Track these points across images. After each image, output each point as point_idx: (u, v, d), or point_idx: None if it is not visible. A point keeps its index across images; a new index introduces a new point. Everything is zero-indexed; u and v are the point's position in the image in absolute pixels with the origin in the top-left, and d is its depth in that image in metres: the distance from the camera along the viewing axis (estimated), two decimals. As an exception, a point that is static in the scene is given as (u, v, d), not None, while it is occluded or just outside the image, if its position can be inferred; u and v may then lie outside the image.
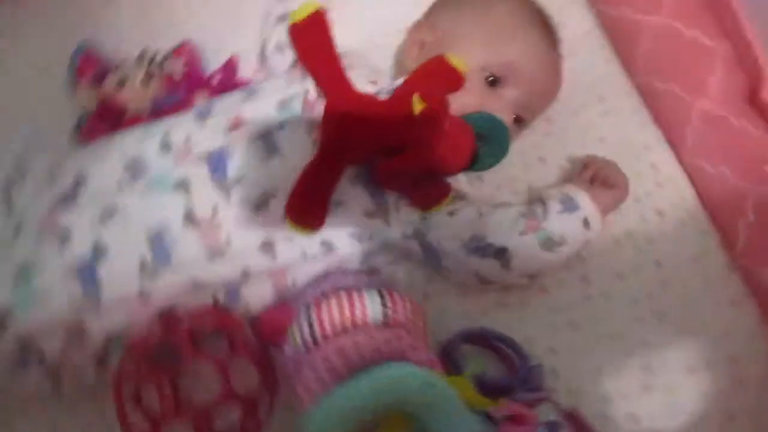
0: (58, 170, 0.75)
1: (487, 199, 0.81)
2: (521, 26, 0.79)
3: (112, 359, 0.69)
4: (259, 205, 0.71)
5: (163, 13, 1.03)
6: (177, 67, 0.93)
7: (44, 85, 0.94)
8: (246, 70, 0.97)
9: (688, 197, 0.82)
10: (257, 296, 0.73)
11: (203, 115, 0.76)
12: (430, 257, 0.75)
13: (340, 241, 0.73)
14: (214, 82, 0.93)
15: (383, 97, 0.74)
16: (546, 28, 0.81)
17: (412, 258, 0.77)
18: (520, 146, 0.87)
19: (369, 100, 0.70)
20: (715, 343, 0.73)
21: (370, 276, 0.73)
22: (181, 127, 0.75)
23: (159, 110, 0.89)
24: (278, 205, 0.70)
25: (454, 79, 0.74)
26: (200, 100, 0.91)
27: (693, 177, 0.83)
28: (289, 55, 0.90)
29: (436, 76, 0.73)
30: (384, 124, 0.69)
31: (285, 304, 0.71)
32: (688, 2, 0.88)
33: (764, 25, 0.80)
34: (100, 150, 0.77)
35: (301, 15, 0.66)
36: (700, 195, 0.82)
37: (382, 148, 0.69)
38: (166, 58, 0.94)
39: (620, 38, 0.95)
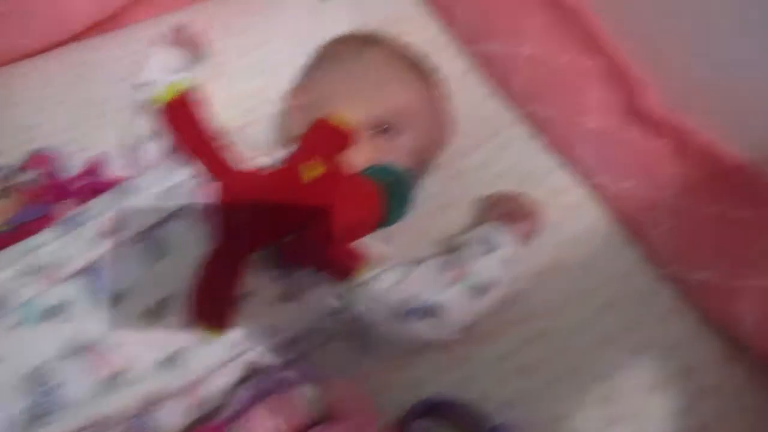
0: None
1: (404, 257, 0.77)
2: (399, 71, 0.77)
3: None
4: (154, 316, 0.61)
5: (15, 119, 0.93)
6: (34, 178, 0.83)
7: None
8: (114, 168, 0.89)
9: (601, 217, 0.81)
10: (171, 418, 0.62)
11: (71, 226, 0.66)
12: (359, 332, 0.68)
13: (255, 336, 0.65)
14: (77, 187, 0.84)
15: (271, 170, 0.68)
16: (423, 70, 0.79)
17: (340, 337, 0.70)
18: (424, 195, 0.83)
19: (259, 177, 0.64)
20: (667, 357, 0.70)
21: (297, 368, 0.65)
22: (45, 245, 0.65)
23: (20, 228, 0.78)
24: (176, 311, 0.62)
25: (341, 138, 0.70)
26: (65, 209, 0.81)
27: (599, 196, 0.82)
28: (157, 145, 0.82)
29: (322, 140, 0.69)
30: (279, 201, 0.63)
31: (207, 426, 0.61)
32: (554, 27, 0.90)
33: (627, 36, 0.82)
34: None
35: (168, 96, 0.59)
36: (612, 213, 0.81)
37: (283, 226, 0.63)
38: (20, 169, 0.84)
39: (497, 73, 0.95)
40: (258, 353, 0.65)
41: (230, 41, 1.01)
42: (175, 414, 0.63)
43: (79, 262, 0.62)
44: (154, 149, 0.79)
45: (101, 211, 0.67)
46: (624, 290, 0.74)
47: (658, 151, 0.78)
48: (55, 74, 0.97)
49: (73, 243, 0.64)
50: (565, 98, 0.86)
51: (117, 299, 0.61)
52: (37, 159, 0.88)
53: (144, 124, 0.83)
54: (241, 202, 0.62)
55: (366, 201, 0.66)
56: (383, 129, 0.73)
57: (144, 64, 0.90)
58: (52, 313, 0.60)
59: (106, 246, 0.63)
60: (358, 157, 0.71)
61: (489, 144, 0.88)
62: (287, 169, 0.67)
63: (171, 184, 0.67)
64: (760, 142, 0.69)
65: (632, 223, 0.79)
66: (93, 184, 0.84)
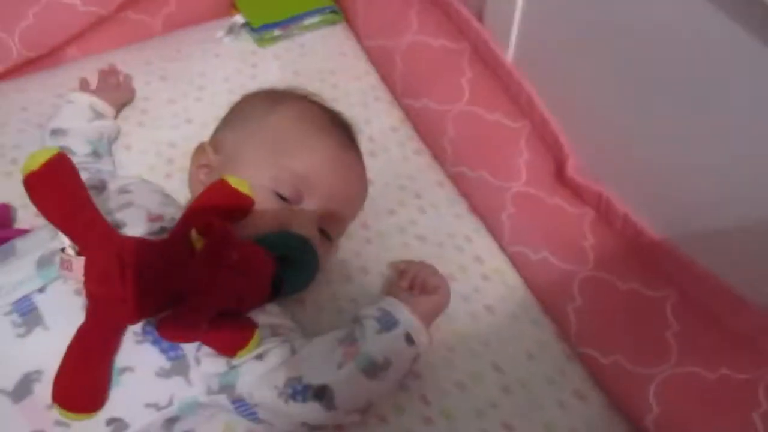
0: None
1: (309, 325, 0.73)
2: (306, 132, 0.74)
3: None
4: (20, 394, 0.58)
5: None
6: (-68, 229, 0.79)
7: None
8: (27, 218, 0.86)
9: (517, 287, 0.78)
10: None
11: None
12: (244, 412, 0.64)
13: (133, 414, 0.61)
14: (-20, 238, 0.80)
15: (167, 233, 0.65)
16: (336, 128, 0.76)
17: (225, 415, 0.66)
18: (339, 257, 0.80)
19: (144, 243, 0.60)
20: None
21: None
22: None
23: None
24: (45, 389, 0.58)
25: (238, 203, 0.67)
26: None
27: (517, 265, 0.80)
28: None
29: (218, 203, 0.66)
30: (158, 271, 0.59)
31: None
32: (486, 87, 0.88)
33: (557, 103, 0.80)
34: None
35: (34, 164, 0.56)
36: (528, 283, 0.79)
37: (164, 298, 0.59)
38: None
39: (427, 130, 0.93)
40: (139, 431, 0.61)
41: (159, 87, 0.98)
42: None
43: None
44: None
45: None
46: (531, 369, 0.71)
47: (578, 219, 0.76)
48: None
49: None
50: (495, 161, 0.84)
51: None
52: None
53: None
54: (121, 272, 0.58)
55: (257, 272, 0.63)
56: (287, 194, 0.70)
57: (61, 109, 0.87)
58: None
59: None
60: (261, 223, 0.68)
61: (412, 204, 0.86)
62: (177, 234, 0.63)
63: (52, 248, 0.64)
64: (675, 219, 0.67)
65: (547, 295, 0.76)
66: (-4, 236, 0.81)
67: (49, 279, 0.62)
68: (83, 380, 0.58)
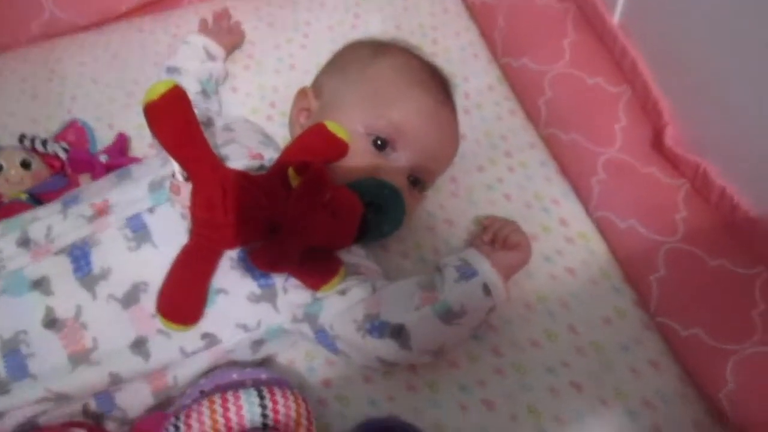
0: None
1: (392, 270, 0.76)
2: (406, 84, 0.75)
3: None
4: (129, 301, 0.64)
5: (51, 92, 0.98)
6: (60, 149, 0.87)
7: None
8: (138, 149, 0.93)
9: (600, 253, 0.78)
10: (134, 400, 0.65)
11: (68, 204, 0.70)
12: (324, 342, 0.68)
13: (224, 332, 0.66)
14: (102, 161, 0.87)
15: (265, 170, 0.69)
16: (435, 83, 0.77)
17: (305, 343, 0.71)
18: (426, 209, 0.82)
19: (245, 177, 0.65)
20: (637, 412, 0.66)
21: (259, 368, 0.66)
22: (42, 218, 0.68)
23: (37, 197, 0.83)
24: (150, 299, 0.64)
25: (334, 147, 0.70)
26: (83, 183, 0.85)
27: (603, 231, 0.79)
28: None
29: (315, 146, 0.69)
30: (257, 203, 0.63)
31: (159, 413, 0.63)
32: (588, 50, 0.87)
33: (662, 70, 0.78)
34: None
35: (156, 94, 0.60)
36: (612, 250, 0.78)
37: (260, 229, 0.64)
38: (48, 140, 0.88)
39: (524, 90, 0.93)
40: (224, 349, 0.67)
41: (266, 33, 1.02)
42: (136, 397, 0.65)
43: (67, 240, 0.65)
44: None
45: (97, 192, 0.70)
46: (607, 334, 0.71)
47: (672, 191, 0.75)
48: (93, 52, 1.02)
49: (64, 221, 0.67)
50: (591, 125, 0.83)
51: (95, 280, 0.64)
52: (70, 131, 0.93)
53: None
54: (224, 201, 0.63)
55: (347, 214, 0.66)
56: (381, 143, 0.72)
57: (179, 49, 0.93)
58: (35, 285, 0.63)
59: (94, 227, 0.66)
60: (353, 168, 0.71)
61: (502, 163, 0.86)
62: (275, 171, 0.67)
63: (163, 174, 0.69)
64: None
65: (630, 264, 0.76)
66: (114, 162, 0.88)
67: (159, 201, 0.67)
68: (183, 296, 0.64)
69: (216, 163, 0.64)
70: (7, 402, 0.60)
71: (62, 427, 0.61)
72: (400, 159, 0.73)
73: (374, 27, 1.01)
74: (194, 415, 0.57)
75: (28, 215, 0.70)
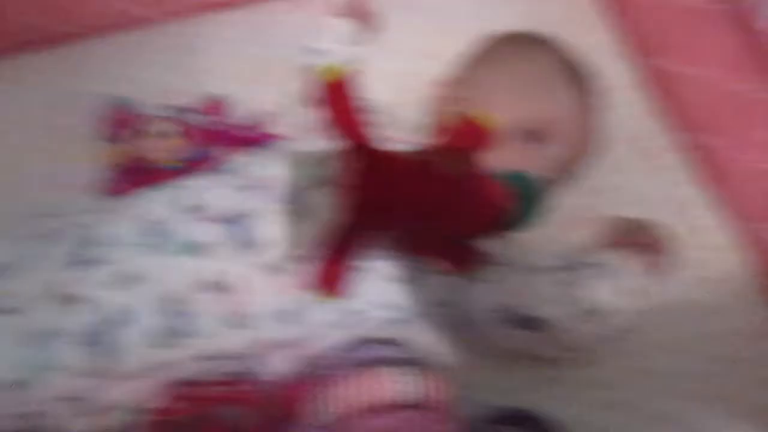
0: (76, 228, 0.73)
1: (523, 262, 0.77)
2: (558, 80, 0.76)
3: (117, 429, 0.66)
4: (280, 270, 0.68)
5: (191, 65, 1.03)
6: (203, 122, 0.92)
7: (64, 138, 0.95)
8: (274, 124, 0.97)
9: (737, 263, 0.77)
10: (281, 364, 0.69)
11: (226, 174, 0.74)
12: (463, 326, 0.71)
13: (367, 307, 0.69)
14: (241, 137, 0.92)
15: (411, 155, 0.71)
16: (584, 81, 0.78)
17: (444, 327, 0.73)
18: (559, 204, 0.83)
19: (397, 160, 0.67)
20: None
21: (399, 348, 0.69)
22: (203, 186, 0.73)
23: (186, 165, 0.88)
24: (302, 269, 0.68)
25: (482, 137, 0.71)
26: (227, 155, 0.89)
27: (744, 242, 0.78)
28: (313, 111, 0.88)
29: (466, 134, 0.71)
30: (412, 186, 0.65)
31: (305, 378, 0.67)
32: (730, 52, 0.84)
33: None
34: (120, 209, 0.74)
35: (328, 75, 0.63)
36: (753, 262, 0.76)
37: (413, 211, 0.66)
38: (192, 112, 0.93)
39: (661, 90, 0.91)
40: (367, 324, 0.70)
41: (403, 19, 1.04)
42: (282, 363, 0.69)
43: (225, 210, 0.70)
44: (305, 116, 0.86)
45: (253, 164, 0.74)
46: (743, 345, 0.70)
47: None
48: (231, 29, 1.06)
49: (223, 191, 0.71)
50: (730, 130, 0.81)
51: (251, 248, 0.68)
52: (209, 104, 0.98)
53: (301, 89, 0.90)
54: (378, 182, 0.65)
55: (495, 204, 0.67)
56: (530, 136, 0.73)
57: (318, 31, 0.96)
58: (196, 249, 0.68)
59: (253, 198, 0.70)
60: (500, 159, 0.72)
61: (636, 166, 0.86)
62: (426, 159, 0.69)
63: (317, 155, 0.72)
64: None
65: (768, 275, 0.74)
66: (254, 137, 0.93)
67: (312, 180, 0.71)
68: (336, 270, 0.67)
69: (374, 145, 0.66)
70: (172, 355, 0.65)
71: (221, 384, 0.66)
72: (547, 153, 0.74)
73: (514, 18, 1.01)
74: (349, 385, 0.60)
75: (188, 182, 0.75)
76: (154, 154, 0.88)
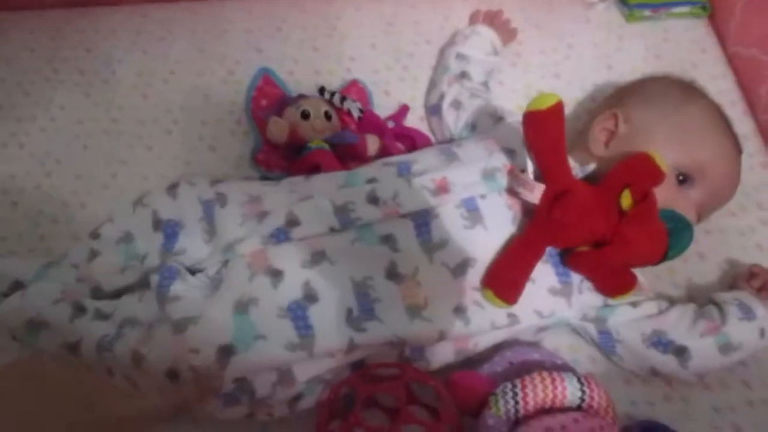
0: (262, 206, 0.78)
1: (655, 293, 0.84)
2: (712, 128, 0.82)
3: (305, 400, 0.72)
4: (457, 271, 0.74)
5: (332, 48, 1.07)
6: (355, 107, 0.96)
7: (213, 109, 1.01)
8: (412, 120, 1.01)
9: None
10: (439, 355, 0.75)
11: (407, 173, 0.79)
12: (605, 343, 0.78)
13: (525, 314, 0.76)
14: (390, 128, 0.96)
15: (591, 185, 0.75)
16: (732, 132, 0.84)
17: (582, 338, 0.81)
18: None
19: (586, 189, 0.73)
20: None
21: (552, 352, 0.77)
22: (387, 182, 0.78)
23: (334, 148, 0.91)
24: (475, 273, 0.74)
25: (656, 177, 0.76)
26: (372, 143, 0.93)
27: None
28: (463, 114, 0.93)
29: (640, 172, 0.76)
30: (596, 215, 0.72)
31: (474, 372, 0.73)
32: None
33: None
34: (304, 191, 0.79)
35: (541, 104, 0.69)
36: None
37: (590, 237, 0.72)
38: (344, 96, 0.97)
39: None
40: (518, 329, 0.76)
41: (534, 36, 1.09)
42: (442, 353, 0.75)
43: (412, 207, 0.75)
44: (456, 116, 0.93)
45: (433, 167, 0.80)
46: None
47: None
48: (370, 17, 1.10)
49: (410, 189, 0.76)
50: None
51: (434, 247, 0.74)
52: (352, 90, 1.01)
53: (455, 92, 0.95)
54: (574, 205, 0.71)
55: (657, 240, 0.74)
56: (683, 178, 0.80)
57: (468, 37, 1.01)
58: (384, 240, 0.74)
59: (436, 201, 0.75)
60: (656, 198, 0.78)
61: (753, 212, 0.93)
62: (605, 191, 0.73)
63: (493, 165, 0.78)
64: None
65: None
66: (400, 130, 0.97)
67: (491, 189, 0.77)
68: (511, 278, 0.73)
69: (570, 172, 0.72)
70: (360, 336, 0.71)
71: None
72: (695, 195, 0.80)
73: (637, 53, 1.08)
74: (529, 385, 0.67)
75: (368, 173, 0.80)
76: (306, 132, 0.91)
